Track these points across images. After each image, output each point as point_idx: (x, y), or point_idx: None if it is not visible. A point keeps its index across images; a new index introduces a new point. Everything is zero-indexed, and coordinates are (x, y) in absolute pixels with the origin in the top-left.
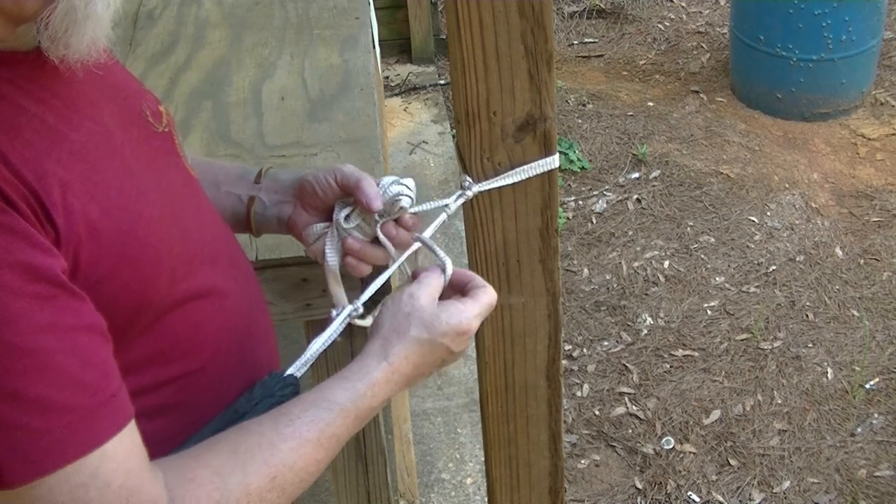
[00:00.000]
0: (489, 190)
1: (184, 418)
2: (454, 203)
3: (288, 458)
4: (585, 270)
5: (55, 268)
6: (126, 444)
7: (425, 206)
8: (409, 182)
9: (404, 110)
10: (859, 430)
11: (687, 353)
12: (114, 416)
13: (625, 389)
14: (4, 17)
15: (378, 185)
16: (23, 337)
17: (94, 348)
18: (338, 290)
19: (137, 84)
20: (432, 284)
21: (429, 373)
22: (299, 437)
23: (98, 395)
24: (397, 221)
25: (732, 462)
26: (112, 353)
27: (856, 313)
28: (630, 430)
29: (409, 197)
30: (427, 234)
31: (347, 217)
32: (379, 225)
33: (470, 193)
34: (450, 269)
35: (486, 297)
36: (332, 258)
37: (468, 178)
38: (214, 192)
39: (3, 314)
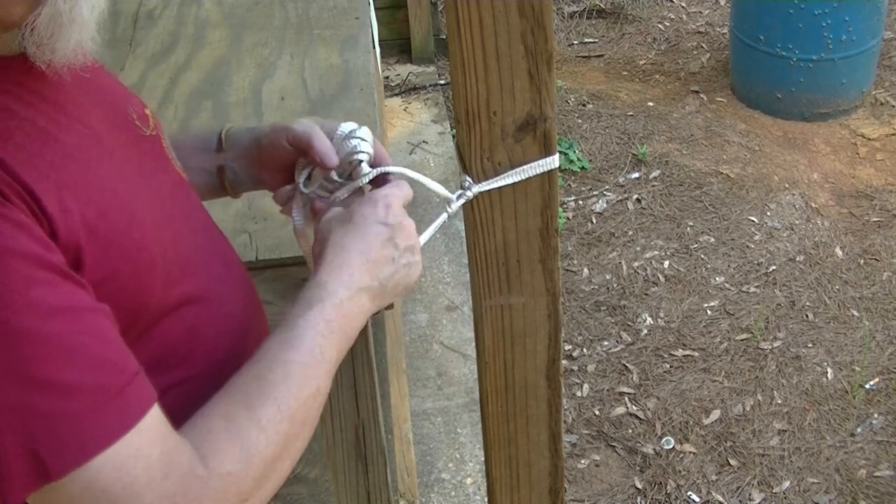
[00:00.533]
0: (489, 190)
1: (181, 424)
2: (455, 203)
3: (281, 385)
4: (585, 270)
5: (55, 259)
6: (157, 416)
7: (432, 228)
8: (366, 133)
9: (404, 110)
10: (859, 430)
11: (687, 353)
12: (143, 391)
13: (625, 389)
14: None
15: (334, 137)
16: (41, 323)
17: (109, 328)
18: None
19: (123, 88)
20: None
21: (385, 258)
22: (280, 361)
23: (125, 371)
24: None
25: (732, 462)
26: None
27: (856, 313)
28: (630, 430)
29: (366, 152)
30: (427, 235)
31: (308, 178)
32: (342, 187)
33: (470, 194)
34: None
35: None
36: (298, 221)
37: (468, 178)
38: (187, 172)
39: (18, 302)
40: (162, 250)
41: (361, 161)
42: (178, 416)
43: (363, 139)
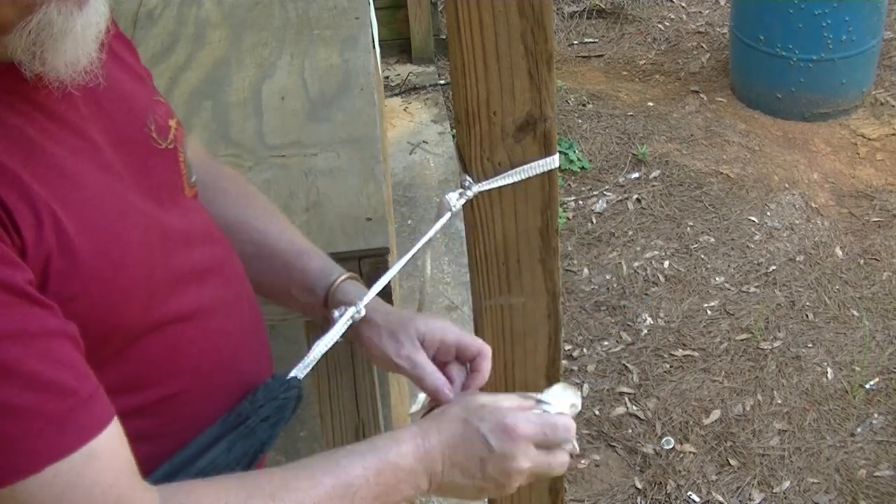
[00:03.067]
0: (489, 190)
1: (160, 443)
2: (456, 203)
3: (298, 495)
4: (585, 270)
5: (17, 279)
6: (112, 444)
7: (433, 229)
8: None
9: (404, 110)
10: (859, 430)
11: (687, 353)
12: (93, 416)
13: (625, 389)
14: None
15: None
16: None
17: (63, 351)
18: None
19: (148, 95)
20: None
21: (466, 470)
22: (313, 477)
23: (74, 395)
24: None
25: (732, 462)
26: (83, 358)
27: (856, 313)
28: (630, 430)
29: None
30: (429, 234)
31: None
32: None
33: (470, 193)
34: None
35: (545, 418)
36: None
37: (468, 178)
38: (281, 288)
39: None
40: (147, 271)
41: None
42: (159, 432)
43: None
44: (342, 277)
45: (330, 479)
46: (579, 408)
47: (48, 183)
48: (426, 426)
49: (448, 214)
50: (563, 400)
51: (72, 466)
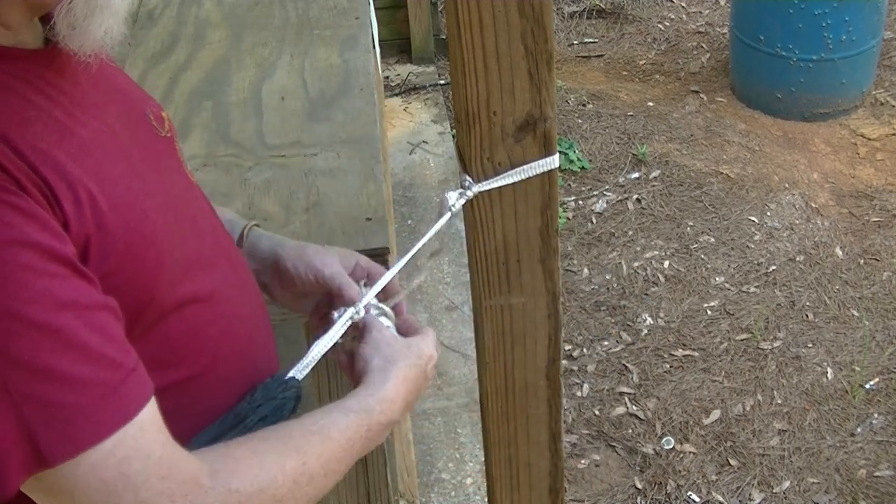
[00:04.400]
0: (489, 190)
1: (180, 424)
2: (456, 203)
3: (316, 448)
4: (585, 270)
5: (67, 251)
6: (156, 416)
7: (433, 229)
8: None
9: (404, 110)
10: (859, 430)
11: (687, 353)
12: (140, 388)
13: (625, 389)
14: (25, 5)
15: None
16: (47, 315)
17: (110, 324)
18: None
19: (141, 91)
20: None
21: (415, 398)
22: (324, 434)
23: (122, 368)
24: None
25: (732, 462)
26: (122, 329)
27: (856, 313)
28: (630, 430)
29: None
30: (428, 236)
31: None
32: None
33: (470, 193)
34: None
35: (431, 333)
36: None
37: (468, 178)
38: None
39: (25, 293)
40: (170, 249)
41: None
42: (177, 415)
43: (386, 314)
44: (249, 225)
45: (337, 435)
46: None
47: (81, 162)
48: (391, 374)
49: (448, 214)
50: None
51: (127, 437)
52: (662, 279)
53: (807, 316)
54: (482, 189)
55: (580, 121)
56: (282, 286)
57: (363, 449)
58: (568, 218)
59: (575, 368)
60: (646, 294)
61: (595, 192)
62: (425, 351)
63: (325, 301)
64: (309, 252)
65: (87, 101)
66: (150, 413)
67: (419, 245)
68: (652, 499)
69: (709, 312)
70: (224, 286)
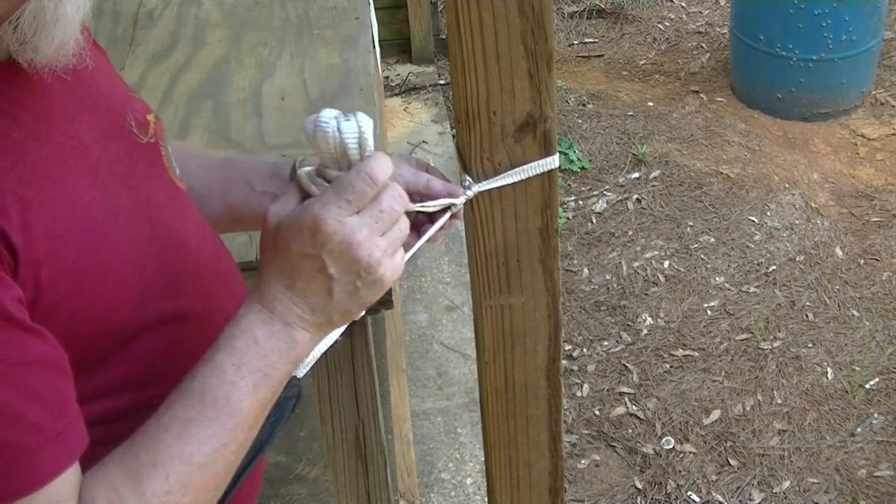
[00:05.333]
0: (489, 190)
1: None
2: (458, 202)
3: (173, 449)
4: (585, 270)
5: (3, 300)
6: (66, 490)
7: (430, 206)
8: (359, 122)
9: (404, 110)
10: (859, 430)
11: (687, 353)
12: (56, 457)
13: (625, 389)
14: None
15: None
16: None
17: (40, 384)
18: None
19: (125, 92)
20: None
21: (315, 291)
22: (176, 418)
23: (41, 433)
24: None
25: (732, 462)
26: (69, 385)
27: (856, 313)
28: (630, 430)
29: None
30: (430, 233)
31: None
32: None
33: (470, 193)
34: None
35: (347, 177)
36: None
37: (468, 178)
38: (248, 191)
39: None
40: (138, 268)
41: (349, 147)
42: None
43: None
44: (299, 159)
45: (192, 409)
46: (369, 126)
47: (35, 185)
48: (257, 283)
49: (448, 213)
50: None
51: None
52: (662, 279)
53: (807, 316)
54: (482, 189)
55: (580, 121)
56: None
57: (258, 388)
58: (568, 218)
59: (575, 368)
60: (646, 294)
61: (595, 192)
62: (313, 224)
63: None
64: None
65: (54, 113)
66: (64, 481)
67: (419, 243)
68: (652, 499)
69: (709, 312)
70: (206, 299)
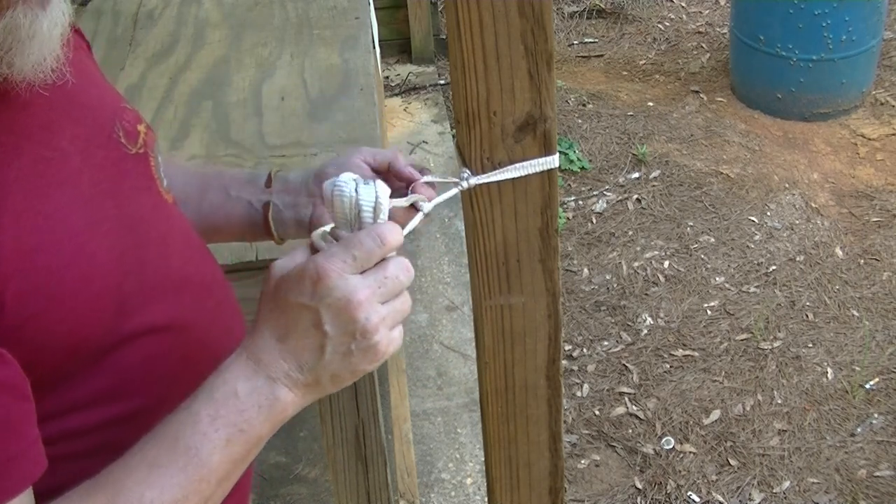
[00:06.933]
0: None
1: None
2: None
3: (133, 493)
4: (585, 270)
5: None
6: None
7: (435, 178)
8: (376, 192)
9: (404, 110)
10: (859, 430)
11: (687, 353)
12: (8, 482)
13: (625, 389)
14: None
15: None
16: None
17: None
18: None
19: (115, 101)
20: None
21: (307, 348)
22: (144, 460)
23: None
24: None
25: (732, 462)
26: (29, 408)
27: (856, 313)
28: (630, 430)
29: (369, 201)
30: (432, 204)
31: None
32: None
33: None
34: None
35: (356, 235)
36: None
37: (467, 170)
38: (224, 197)
39: None
40: (118, 281)
41: (362, 209)
42: (121, 448)
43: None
44: (275, 169)
45: (161, 455)
46: (386, 195)
47: (7, 199)
48: (249, 332)
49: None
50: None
51: None
52: (662, 279)
53: (807, 316)
54: (480, 182)
55: (580, 121)
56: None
57: (230, 443)
58: (568, 218)
59: (575, 368)
60: (646, 294)
61: (595, 192)
62: (292, 266)
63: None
64: (349, 151)
65: (32, 126)
66: None
67: (413, 222)
68: (652, 499)
69: (709, 312)
70: (191, 311)
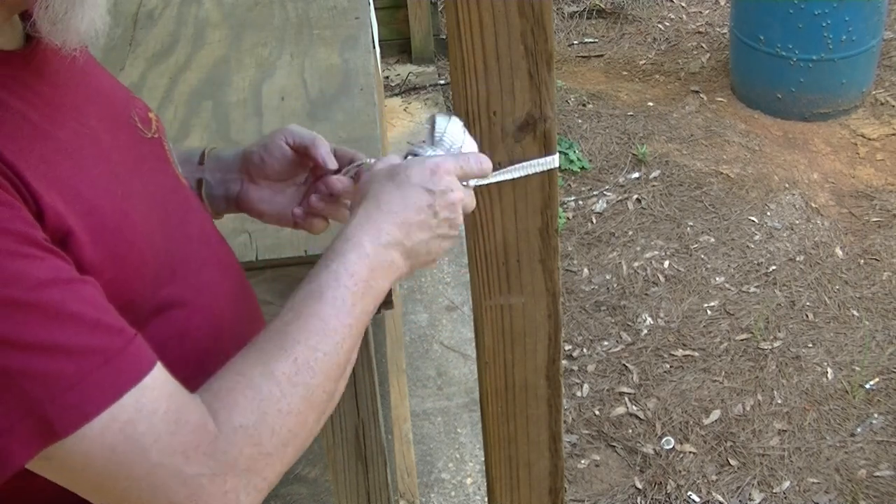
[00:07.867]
0: (488, 185)
1: None
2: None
3: (299, 337)
4: (585, 270)
5: (38, 236)
6: (161, 374)
7: (352, 168)
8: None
9: (404, 110)
10: (859, 430)
11: (687, 353)
12: (143, 351)
13: (625, 389)
14: (3, 5)
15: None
16: (30, 293)
17: (98, 295)
18: None
19: (126, 92)
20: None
21: (423, 223)
22: (300, 314)
23: (123, 333)
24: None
25: (732, 462)
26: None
27: (856, 313)
28: (630, 430)
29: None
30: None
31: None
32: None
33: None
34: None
35: (466, 154)
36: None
37: None
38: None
39: (4, 276)
40: (153, 252)
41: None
42: None
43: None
44: (209, 147)
45: (315, 307)
46: (465, 138)
47: (55, 166)
48: (361, 209)
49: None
50: (454, 135)
51: (133, 400)
52: (662, 279)
53: (807, 316)
54: (479, 184)
55: (580, 121)
56: (253, 177)
57: (365, 297)
58: (568, 218)
59: (575, 368)
60: (646, 294)
61: (595, 192)
62: (419, 160)
63: (310, 186)
64: (274, 130)
65: (66, 103)
66: (158, 373)
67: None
68: (652, 499)
69: (709, 312)
70: (208, 291)
